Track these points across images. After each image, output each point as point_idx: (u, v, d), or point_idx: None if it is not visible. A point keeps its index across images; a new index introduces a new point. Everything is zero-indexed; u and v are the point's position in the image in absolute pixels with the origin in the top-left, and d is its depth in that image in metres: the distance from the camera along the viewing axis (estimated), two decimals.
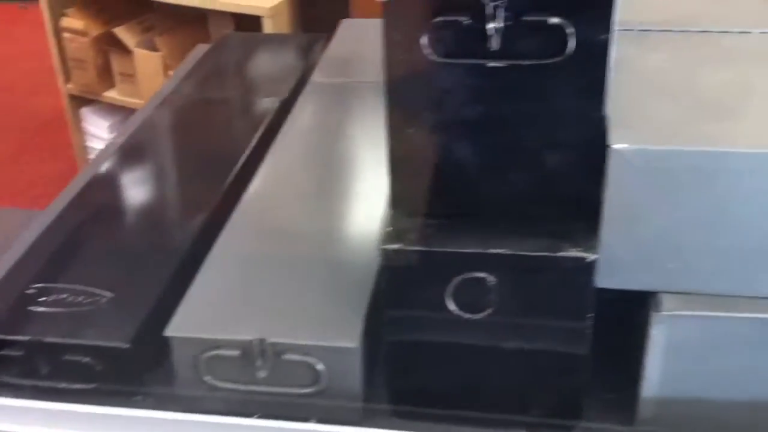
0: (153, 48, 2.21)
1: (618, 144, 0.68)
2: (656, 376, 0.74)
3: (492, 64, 0.67)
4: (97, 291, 0.85)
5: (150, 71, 2.22)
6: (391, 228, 0.71)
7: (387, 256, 0.70)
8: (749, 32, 0.85)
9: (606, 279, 0.72)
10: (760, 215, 0.69)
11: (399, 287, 0.72)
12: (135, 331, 0.80)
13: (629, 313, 0.76)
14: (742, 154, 0.68)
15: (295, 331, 0.76)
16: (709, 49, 0.83)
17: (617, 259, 0.72)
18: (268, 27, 2.05)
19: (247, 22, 2.09)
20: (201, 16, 2.22)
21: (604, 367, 0.77)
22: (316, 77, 1.17)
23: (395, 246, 0.70)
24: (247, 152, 1.03)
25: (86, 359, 0.79)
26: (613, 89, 0.73)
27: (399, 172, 0.72)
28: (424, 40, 0.67)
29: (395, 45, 0.68)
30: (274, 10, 2.04)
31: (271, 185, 0.96)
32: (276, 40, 1.52)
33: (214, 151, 1.07)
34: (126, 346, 0.78)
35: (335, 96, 1.13)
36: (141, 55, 2.22)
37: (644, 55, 0.82)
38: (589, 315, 0.72)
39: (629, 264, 0.72)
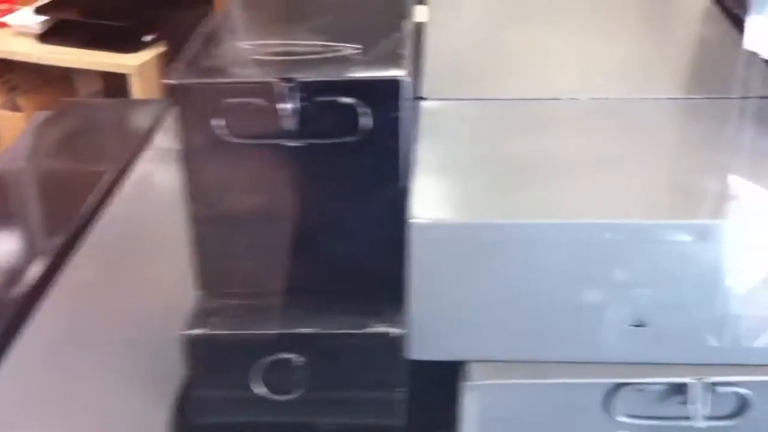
0: (16, 108, 2.14)
1: (417, 218, 0.68)
2: None
3: (288, 143, 0.67)
4: None
5: (13, 132, 2.14)
6: (196, 311, 0.70)
7: (190, 341, 0.69)
8: (558, 99, 0.88)
9: (417, 351, 0.72)
10: (560, 283, 0.70)
11: (207, 370, 0.70)
12: None
13: (449, 384, 0.76)
14: (542, 225, 0.70)
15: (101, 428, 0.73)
16: (519, 118, 0.85)
17: (426, 331, 0.72)
18: (135, 85, 2.01)
19: (115, 80, 2.05)
20: (67, 74, 2.17)
21: None
22: (157, 143, 1.15)
23: (198, 331, 0.69)
24: (75, 226, 1.00)
25: None
26: (419, 161, 0.75)
27: (203, 253, 0.71)
28: (218, 122, 0.67)
29: (190, 127, 0.68)
30: (142, 68, 2.01)
31: (91, 262, 0.92)
32: (120, 105, 1.49)
33: (41, 227, 1.03)
34: None
35: (174, 162, 1.11)
36: (3, 115, 2.14)
37: (454, 125, 0.83)
38: (401, 388, 0.72)
39: (438, 335, 0.72)
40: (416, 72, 0.93)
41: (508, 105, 0.88)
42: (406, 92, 0.67)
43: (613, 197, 0.73)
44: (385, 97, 0.66)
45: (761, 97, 0.86)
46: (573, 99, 0.88)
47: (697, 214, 0.68)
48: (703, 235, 0.68)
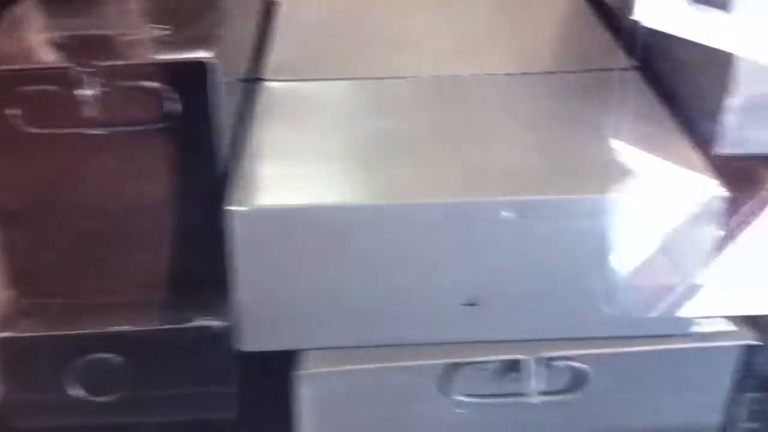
0: None
1: (234, 205, 0.66)
2: None
3: (91, 132, 0.64)
4: None
5: None
6: (5, 313, 0.66)
7: None
8: (403, 77, 0.86)
9: (247, 343, 0.70)
10: (388, 265, 0.68)
11: (18, 374, 0.67)
12: None
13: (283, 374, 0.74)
14: (367, 208, 0.68)
15: None
16: (361, 98, 0.82)
17: (255, 322, 0.69)
18: None
19: None
20: None
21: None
22: None
23: (6, 334, 0.65)
24: None
25: None
26: (248, 145, 0.72)
27: (13, 252, 0.67)
28: (13, 111, 0.63)
29: None
30: None
31: None
32: None
33: None
34: None
35: None
36: None
37: (294, 106, 0.81)
38: (231, 381, 0.70)
39: (268, 325, 0.70)
40: (260, 53, 0.91)
41: (352, 85, 0.86)
42: (216, 75, 0.64)
43: (440, 176, 0.71)
44: (192, 80, 0.63)
45: (603, 70, 0.86)
46: (417, 77, 0.86)
47: (519, 191, 0.68)
48: (525, 211, 0.67)
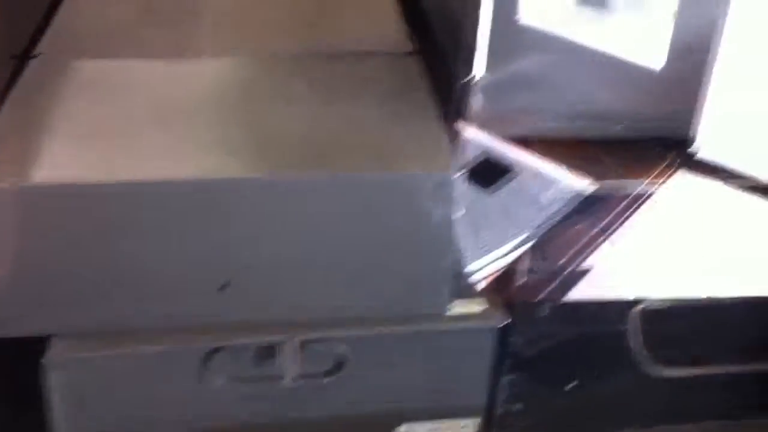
0: None
1: None
2: (63, 423, 0.71)
3: None
4: None
5: None
6: None
7: None
8: (184, 58, 0.83)
9: None
10: (137, 246, 0.67)
11: None
12: None
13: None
14: (109, 186, 0.65)
15: None
16: (138, 78, 0.80)
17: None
18: None
19: None
20: None
21: (13, 422, 0.73)
22: None
23: None
24: None
25: None
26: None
27: None
28: None
29: None
30: None
31: None
32: None
33: None
34: None
35: None
36: None
37: (58, 85, 0.78)
38: None
39: (11, 309, 0.67)
40: (37, 28, 0.88)
41: (131, 63, 0.83)
42: None
43: (191, 156, 0.69)
44: None
45: (386, 54, 0.86)
46: (198, 58, 0.84)
47: (261, 169, 0.67)
48: (267, 189, 0.66)
